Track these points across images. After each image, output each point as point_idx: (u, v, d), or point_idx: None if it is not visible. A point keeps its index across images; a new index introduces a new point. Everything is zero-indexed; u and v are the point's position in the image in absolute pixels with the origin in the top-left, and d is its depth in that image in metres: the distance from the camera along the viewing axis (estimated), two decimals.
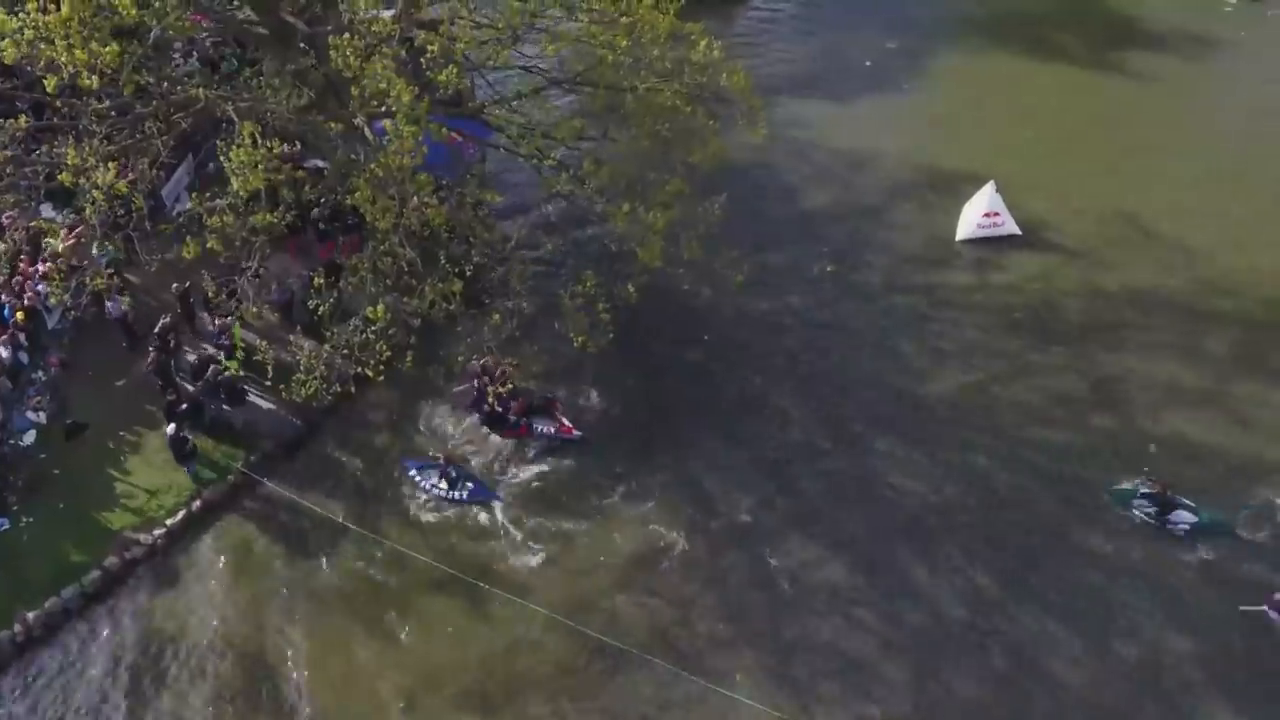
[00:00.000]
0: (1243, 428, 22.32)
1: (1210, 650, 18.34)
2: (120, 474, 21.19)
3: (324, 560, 20.21)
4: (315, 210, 24.20)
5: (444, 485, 21.13)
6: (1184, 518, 20.08)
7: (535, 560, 20.15)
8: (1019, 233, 27.67)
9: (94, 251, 23.01)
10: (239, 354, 21.72)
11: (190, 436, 21.17)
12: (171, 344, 22.57)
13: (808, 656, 18.58)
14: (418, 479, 21.43)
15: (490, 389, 21.71)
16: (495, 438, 22.39)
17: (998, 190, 27.86)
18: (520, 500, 21.26)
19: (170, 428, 20.91)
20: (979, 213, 27.91)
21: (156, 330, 22.32)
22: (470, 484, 21.26)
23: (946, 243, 27.78)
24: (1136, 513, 20.36)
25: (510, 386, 21.69)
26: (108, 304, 22.81)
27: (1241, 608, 18.82)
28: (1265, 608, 18.67)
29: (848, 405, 23.19)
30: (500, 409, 21.88)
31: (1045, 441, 22.20)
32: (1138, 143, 31.59)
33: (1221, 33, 37.49)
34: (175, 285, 23.06)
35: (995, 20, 38.39)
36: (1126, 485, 20.81)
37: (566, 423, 22.29)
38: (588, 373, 23.43)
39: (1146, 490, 20.46)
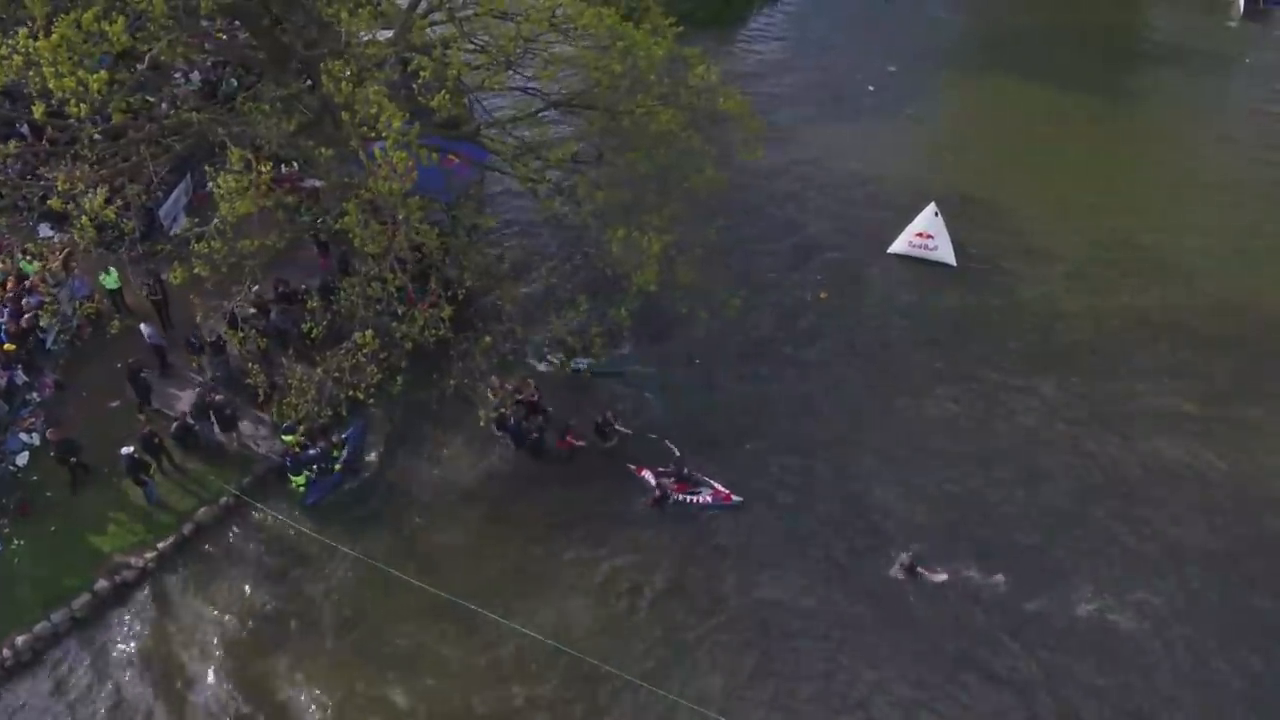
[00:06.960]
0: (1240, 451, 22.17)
1: None
2: (112, 496, 21.07)
3: (316, 585, 20.10)
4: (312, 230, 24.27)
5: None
6: (581, 363, 23.81)
7: (530, 586, 19.97)
8: (952, 264, 27.21)
9: (99, 277, 23.04)
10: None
11: (146, 458, 20.86)
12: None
13: (804, 686, 18.36)
14: None
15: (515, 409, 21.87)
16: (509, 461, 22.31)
17: (937, 213, 27.39)
18: (512, 526, 21.08)
19: (127, 449, 20.52)
20: (913, 232, 27.56)
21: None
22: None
23: (944, 267, 27.46)
24: (549, 359, 24.11)
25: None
26: (144, 328, 22.66)
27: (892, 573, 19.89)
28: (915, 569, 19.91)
29: (842, 430, 22.95)
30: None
31: (1043, 464, 22.00)
32: (1141, 162, 31.48)
33: (1226, 50, 37.33)
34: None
35: (999, 42, 38.22)
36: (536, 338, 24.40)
37: (722, 488, 21.47)
38: (578, 396, 23.31)
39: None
